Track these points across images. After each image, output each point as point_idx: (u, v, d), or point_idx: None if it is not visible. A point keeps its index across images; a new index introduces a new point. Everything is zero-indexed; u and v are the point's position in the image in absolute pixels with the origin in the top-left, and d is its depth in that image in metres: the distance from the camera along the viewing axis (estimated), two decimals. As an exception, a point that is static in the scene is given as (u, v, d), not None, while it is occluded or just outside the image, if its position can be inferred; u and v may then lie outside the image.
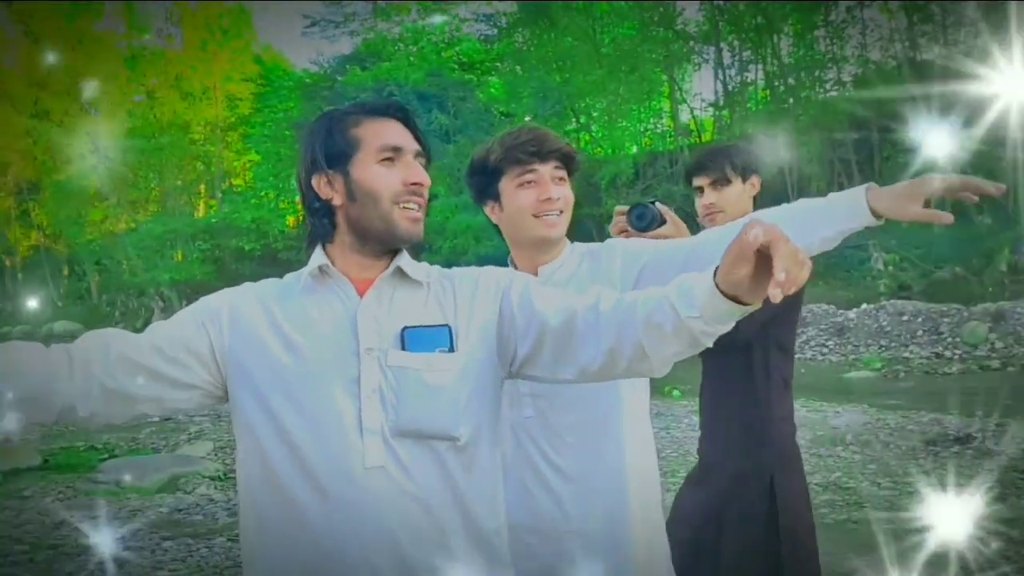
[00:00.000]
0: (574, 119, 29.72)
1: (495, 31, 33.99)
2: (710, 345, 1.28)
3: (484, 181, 1.92)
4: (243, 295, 1.48)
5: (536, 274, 1.89)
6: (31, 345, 1.38)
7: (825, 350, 13.02)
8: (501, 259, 1.98)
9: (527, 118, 30.43)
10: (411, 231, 1.44)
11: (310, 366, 1.38)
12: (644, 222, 2.08)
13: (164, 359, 1.39)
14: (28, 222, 39.31)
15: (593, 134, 30.57)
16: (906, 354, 12.18)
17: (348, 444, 1.34)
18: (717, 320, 1.22)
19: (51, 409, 1.34)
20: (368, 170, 1.43)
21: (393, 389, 1.37)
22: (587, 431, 1.85)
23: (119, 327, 1.54)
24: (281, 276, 1.54)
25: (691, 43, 28.40)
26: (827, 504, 5.17)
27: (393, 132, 1.45)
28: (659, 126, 32.62)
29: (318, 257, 1.45)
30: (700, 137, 30.54)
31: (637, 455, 1.89)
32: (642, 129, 31.59)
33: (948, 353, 11.87)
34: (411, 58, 32.22)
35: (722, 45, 27.92)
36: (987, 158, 15.18)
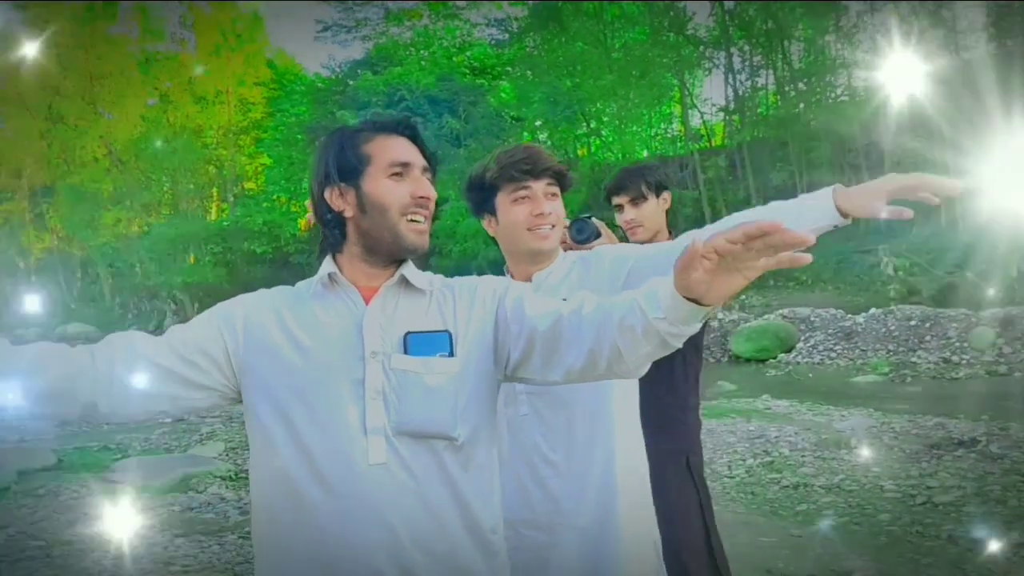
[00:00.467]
0: (585, 124, 29.76)
1: (506, 36, 34.06)
2: (679, 346, 1.33)
3: (481, 196, 2.04)
4: (257, 302, 1.57)
5: (530, 281, 2.01)
6: (56, 345, 1.47)
7: (833, 354, 13.00)
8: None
9: (537, 122, 30.55)
10: (417, 242, 1.53)
11: (319, 368, 1.47)
12: (583, 235, 2.30)
13: (182, 361, 1.49)
14: (42, 225, 39.61)
15: (603, 138, 30.61)
16: (914, 359, 12.17)
17: (353, 442, 1.43)
18: (681, 321, 1.28)
19: (75, 405, 1.44)
20: (378, 184, 1.52)
21: (395, 391, 1.45)
22: (579, 428, 1.95)
23: (132, 329, 1.62)
24: (292, 279, 1.64)
25: (702, 48, 28.41)
26: (830, 506, 5.23)
27: (402, 148, 1.55)
28: (670, 131, 32.69)
29: (328, 265, 1.55)
30: (710, 142, 30.56)
31: (627, 451, 2.00)
32: (652, 134, 31.64)
33: (956, 358, 11.86)
34: (422, 63, 32.36)
35: (733, 50, 27.94)
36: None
